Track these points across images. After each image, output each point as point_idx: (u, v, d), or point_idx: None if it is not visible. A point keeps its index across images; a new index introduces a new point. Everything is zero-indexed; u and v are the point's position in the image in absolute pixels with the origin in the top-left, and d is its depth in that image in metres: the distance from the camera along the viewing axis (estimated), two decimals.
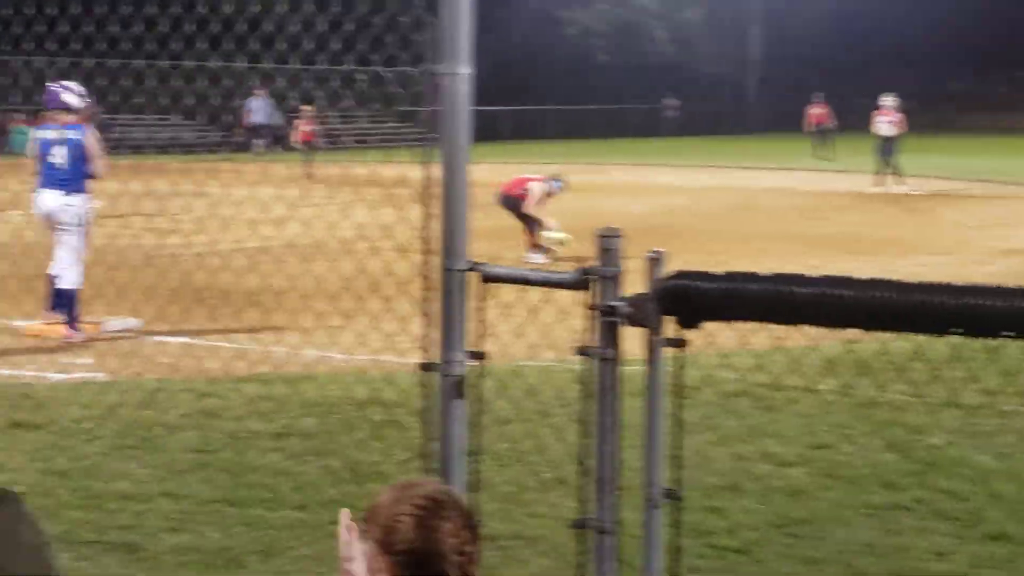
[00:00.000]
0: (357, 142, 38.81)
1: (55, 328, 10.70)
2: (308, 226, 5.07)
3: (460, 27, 3.75)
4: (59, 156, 11.14)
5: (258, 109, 36.89)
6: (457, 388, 3.84)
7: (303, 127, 31.66)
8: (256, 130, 36.80)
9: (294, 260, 5.70)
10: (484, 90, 3.79)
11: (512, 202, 17.56)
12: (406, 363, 4.48)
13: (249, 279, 5.92)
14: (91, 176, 11.27)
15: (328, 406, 7.79)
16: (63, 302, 10.90)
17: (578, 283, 3.67)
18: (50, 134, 11.21)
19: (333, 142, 37.32)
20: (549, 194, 17.80)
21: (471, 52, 3.77)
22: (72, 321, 10.80)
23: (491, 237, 16.39)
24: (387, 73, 4.48)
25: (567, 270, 3.70)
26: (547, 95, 57.70)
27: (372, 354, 4.97)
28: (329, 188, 5.02)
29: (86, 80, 11.79)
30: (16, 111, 31.00)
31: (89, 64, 5.78)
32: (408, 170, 4.21)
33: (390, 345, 4.75)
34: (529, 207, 17.47)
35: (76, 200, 10.93)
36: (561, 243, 16.92)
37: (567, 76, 62.13)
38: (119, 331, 10.47)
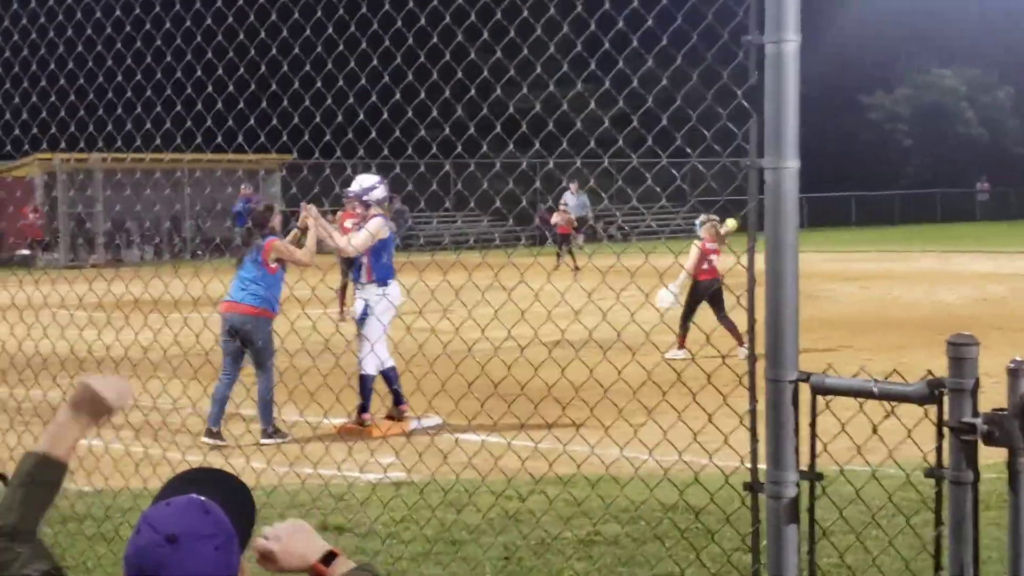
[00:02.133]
0: (672, 235, 38.76)
1: (392, 425, 10.93)
2: (611, 319, 4.85)
3: (786, 119, 3.45)
4: (392, 249, 11.44)
5: (574, 205, 37.47)
6: (788, 512, 3.48)
7: (559, 220, 31.96)
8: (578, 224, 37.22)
9: (594, 354, 5.47)
10: None
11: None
12: (716, 465, 4.14)
13: (547, 373, 5.70)
14: None
15: (634, 511, 7.46)
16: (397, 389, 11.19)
17: (926, 396, 3.27)
18: (391, 227, 11.51)
19: (652, 235, 37.48)
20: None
21: (797, 145, 3.46)
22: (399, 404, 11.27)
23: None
24: (704, 166, 4.23)
25: (913, 382, 3.30)
26: (849, 181, 56.34)
27: (678, 454, 4.63)
28: (637, 281, 4.89)
29: (394, 179, 12.05)
30: (337, 211, 32.48)
31: (397, 163, 5.78)
32: (721, 264, 3.92)
33: (697, 445, 4.40)
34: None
35: None
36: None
37: (870, 161, 60.60)
38: (422, 429, 10.51)
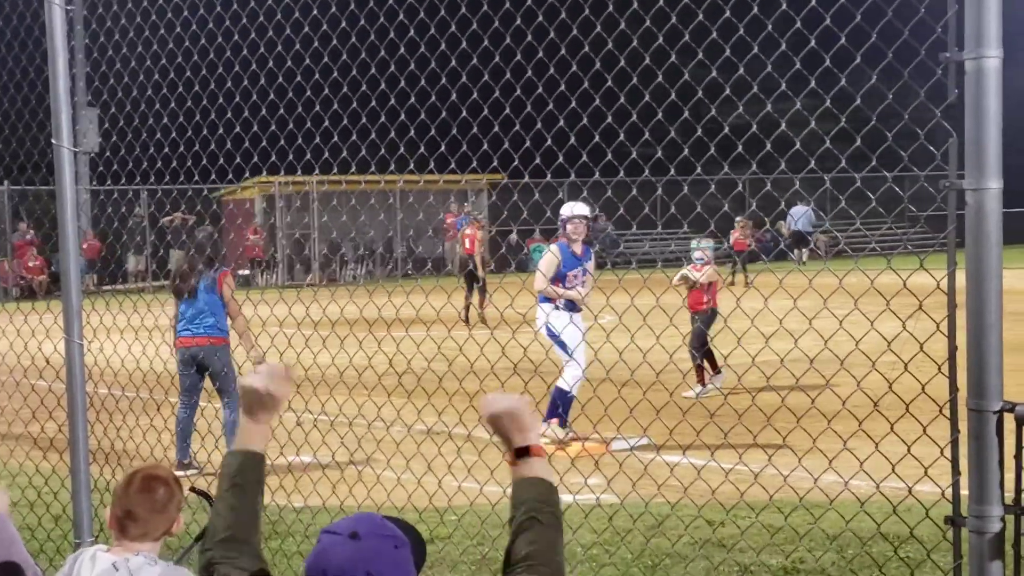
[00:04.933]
0: (858, 251, 37.77)
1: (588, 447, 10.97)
2: (821, 339, 4.72)
3: (988, 138, 3.30)
4: (577, 276, 11.64)
5: (799, 217, 36.59)
6: (992, 548, 3.32)
7: (736, 236, 31.31)
8: (799, 239, 36.52)
9: (806, 375, 5.34)
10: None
11: None
12: (937, 494, 3.96)
13: (759, 395, 5.56)
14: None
15: (848, 540, 7.23)
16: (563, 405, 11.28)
17: None
18: (576, 251, 11.76)
19: (850, 250, 36.64)
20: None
21: (1000, 164, 3.31)
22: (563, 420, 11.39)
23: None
24: (901, 187, 4.09)
25: None
26: None
27: (897, 482, 4.44)
28: (845, 298, 4.76)
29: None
30: (533, 230, 32.75)
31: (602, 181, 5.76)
32: (920, 280, 3.76)
33: (918, 473, 4.21)
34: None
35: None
36: None
37: None
38: (626, 449, 10.42)
